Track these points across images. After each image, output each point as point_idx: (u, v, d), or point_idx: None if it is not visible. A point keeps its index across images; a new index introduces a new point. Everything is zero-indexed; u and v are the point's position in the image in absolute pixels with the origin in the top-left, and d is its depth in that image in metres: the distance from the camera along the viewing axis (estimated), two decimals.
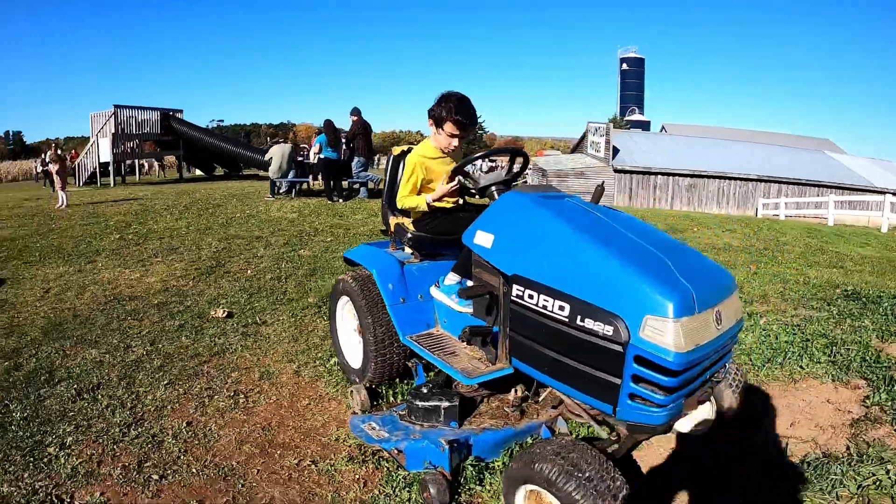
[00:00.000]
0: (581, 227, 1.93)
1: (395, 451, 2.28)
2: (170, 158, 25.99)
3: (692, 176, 24.79)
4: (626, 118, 77.31)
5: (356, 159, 10.93)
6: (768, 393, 3.02)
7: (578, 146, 29.77)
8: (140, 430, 2.71)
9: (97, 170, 18.65)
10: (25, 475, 2.37)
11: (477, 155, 2.52)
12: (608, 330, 1.68)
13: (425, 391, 2.42)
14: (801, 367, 3.21)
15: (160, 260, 6.15)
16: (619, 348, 1.67)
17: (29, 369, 3.37)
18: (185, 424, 2.76)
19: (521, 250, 2.01)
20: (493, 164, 14.03)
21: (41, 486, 2.30)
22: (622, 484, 1.65)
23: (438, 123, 2.64)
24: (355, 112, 10.81)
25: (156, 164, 30.68)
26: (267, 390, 3.13)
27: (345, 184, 11.30)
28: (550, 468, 1.66)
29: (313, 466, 2.40)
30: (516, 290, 1.96)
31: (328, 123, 10.98)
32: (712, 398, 2.10)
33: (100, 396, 3.05)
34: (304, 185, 11.96)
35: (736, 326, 1.87)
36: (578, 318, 1.75)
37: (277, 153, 11.40)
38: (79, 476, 2.36)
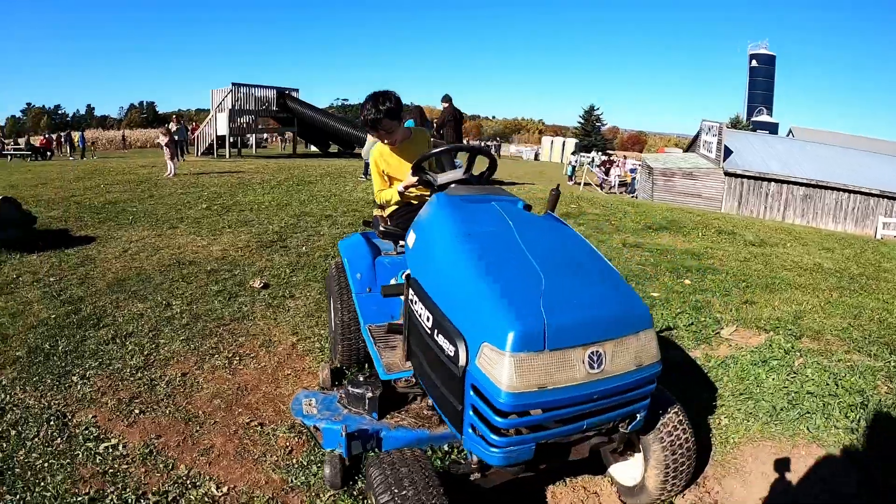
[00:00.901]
0: (473, 236, 1.93)
1: (314, 428, 2.59)
2: (290, 134, 28.46)
3: (808, 185, 22.55)
4: (753, 119, 69.96)
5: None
6: (746, 454, 2.72)
7: (692, 145, 28.39)
8: (144, 373, 3.36)
9: (214, 142, 21.08)
10: (48, 393, 3.10)
11: (434, 151, 2.67)
12: (451, 350, 1.69)
13: (361, 379, 2.65)
14: (809, 427, 2.83)
15: (231, 231, 7.05)
16: (458, 372, 1.67)
17: (84, 314, 4.21)
18: (179, 375, 3.36)
19: (422, 254, 2.14)
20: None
21: (55, 402, 3.02)
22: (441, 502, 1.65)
23: (373, 125, 2.89)
24: (446, 99, 11.24)
25: (277, 138, 33.78)
26: (261, 357, 3.66)
27: None
28: (376, 475, 1.74)
29: (259, 428, 2.86)
30: (411, 292, 2.09)
31: (417, 109, 11.53)
32: (642, 453, 2.15)
33: (128, 343, 3.76)
34: None
35: (638, 373, 1.73)
36: (436, 331, 1.79)
37: (371, 136, 12.20)
38: (84, 400, 3.04)
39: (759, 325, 4.00)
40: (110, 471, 2.51)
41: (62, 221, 7.35)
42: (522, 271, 1.77)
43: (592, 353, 1.64)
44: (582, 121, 64.87)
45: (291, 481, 2.46)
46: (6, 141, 30.51)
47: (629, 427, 1.88)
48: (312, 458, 2.60)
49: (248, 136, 24.92)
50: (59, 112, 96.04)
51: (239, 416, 2.96)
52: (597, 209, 8.84)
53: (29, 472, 2.49)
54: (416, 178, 2.77)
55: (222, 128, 20.47)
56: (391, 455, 1.83)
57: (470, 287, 1.74)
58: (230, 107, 20.27)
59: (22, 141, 29.21)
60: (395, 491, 1.65)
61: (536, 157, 49.72)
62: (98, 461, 2.57)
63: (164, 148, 13.50)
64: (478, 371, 1.61)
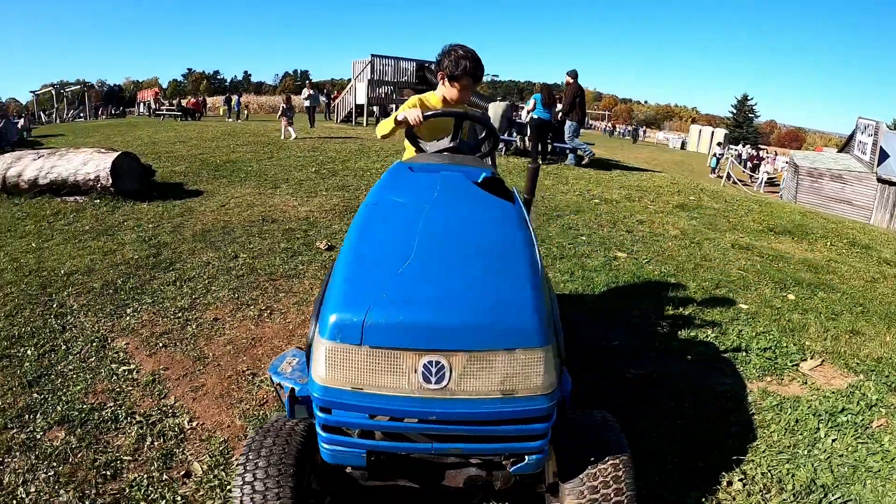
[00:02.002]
0: (378, 206, 1.92)
1: (279, 385, 2.81)
2: None
3: None
4: None
5: (568, 123, 11.16)
6: None
7: (846, 146, 24.67)
8: (184, 314, 3.88)
9: (353, 110, 22.58)
10: (103, 320, 3.75)
11: (430, 113, 2.60)
12: (312, 329, 1.61)
13: None
14: None
15: (325, 194, 7.65)
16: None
17: (161, 258, 4.92)
18: (212, 319, 3.83)
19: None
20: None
21: (104, 328, 3.66)
22: (286, 483, 1.64)
23: (453, 78, 2.77)
24: (572, 74, 11.01)
25: None
26: (290, 314, 4.01)
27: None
28: (248, 439, 1.80)
29: (250, 377, 3.20)
30: None
31: (545, 87, 11.54)
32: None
33: (184, 286, 4.34)
34: (517, 145, 12.69)
35: (508, 404, 1.45)
36: (316, 306, 1.71)
37: (492, 110, 12.38)
38: (126, 329, 3.62)
39: (852, 365, 3.48)
40: (116, 389, 3.01)
41: (182, 176, 8.52)
42: (396, 251, 1.65)
43: (429, 362, 1.41)
44: (734, 111, 62.58)
45: (247, 430, 2.74)
46: (164, 101, 35.06)
47: (513, 468, 1.60)
48: (281, 412, 2.86)
49: (387, 105, 26.24)
50: (218, 77, 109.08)
51: (240, 363, 3.32)
52: (718, 203, 8.16)
53: (59, 380, 3.09)
54: (415, 120, 2.62)
55: (361, 97, 21.93)
56: (275, 424, 1.85)
57: (339, 259, 1.71)
58: (369, 77, 21.55)
59: (176, 102, 33.43)
60: (251, 457, 1.70)
61: (683, 146, 47.32)
62: (112, 380, 3.09)
63: (281, 117, 14.98)
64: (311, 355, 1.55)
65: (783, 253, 5.78)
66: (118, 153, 6.94)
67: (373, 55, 21.67)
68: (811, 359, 3.51)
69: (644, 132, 49.93)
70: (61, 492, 2.31)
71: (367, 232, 1.80)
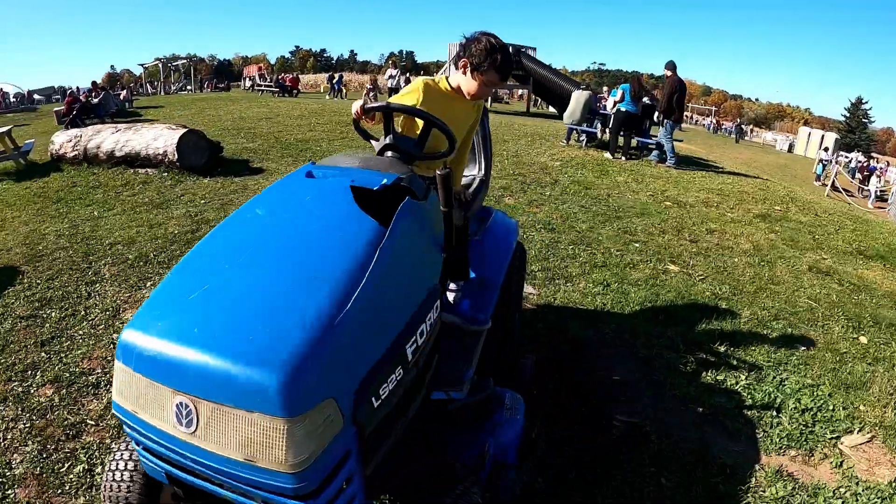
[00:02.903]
0: (240, 219, 1.75)
1: None
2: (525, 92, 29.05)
3: None
4: None
5: (665, 120, 10.51)
6: None
7: None
8: None
9: None
10: (123, 291, 3.96)
11: (399, 107, 2.23)
12: None
13: None
14: None
15: None
16: None
17: (199, 235, 5.10)
18: None
19: None
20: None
21: (122, 298, 3.84)
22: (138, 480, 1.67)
23: (477, 69, 2.38)
24: (671, 66, 10.31)
25: (517, 94, 34.72)
26: None
27: (634, 143, 11.12)
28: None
29: None
30: None
31: (634, 77, 10.94)
32: None
33: None
34: (600, 136, 12.16)
35: (254, 472, 1.24)
36: None
37: (574, 99, 11.91)
38: (139, 301, 3.74)
39: None
40: (108, 358, 3.15)
41: (251, 153, 8.81)
42: (203, 274, 1.51)
43: (180, 403, 1.27)
44: (847, 115, 57.33)
45: None
46: (266, 77, 36.49)
47: None
48: None
49: None
50: (325, 55, 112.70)
51: None
52: (806, 216, 7.26)
53: (67, 343, 3.32)
54: (364, 114, 2.32)
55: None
56: None
57: (181, 266, 1.62)
58: None
59: (274, 79, 34.52)
60: (121, 447, 1.77)
61: (790, 148, 43.29)
62: (109, 349, 3.24)
63: (366, 96, 15.04)
64: None
65: (868, 282, 5.05)
66: (185, 130, 7.28)
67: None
68: (859, 432, 2.86)
69: (751, 131, 46.22)
70: (29, 442, 2.56)
71: (201, 247, 1.65)
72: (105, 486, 1.71)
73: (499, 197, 7.17)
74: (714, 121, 52.18)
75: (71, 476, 2.39)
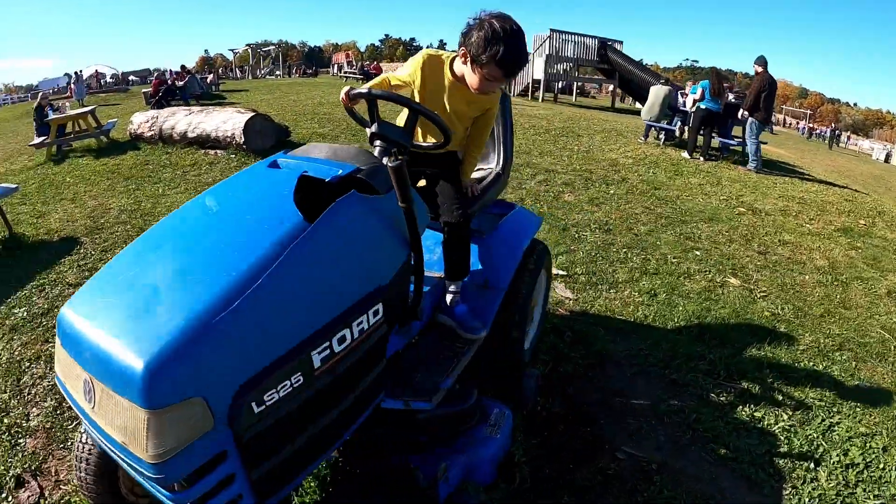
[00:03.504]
0: (189, 209, 1.68)
1: None
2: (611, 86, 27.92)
3: None
4: None
5: (750, 120, 9.67)
6: None
7: None
8: None
9: (531, 84, 21.98)
10: None
11: (388, 95, 1.97)
12: None
13: None
14: None
15: None
16: None
17: None
18: None
19: None
20: None
21: None
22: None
23: (476, 62, 2.04)
24: (761, 62, 9.43)
25: (604, 89, 33.43)
26: None
27: (715, 143, 10.28)
28: None
29: None
30: None
31: (714, 72, 10.10)
32: None
33: None
34: (678, 135, 11.38)
35: (123, 451, 1.24)
36: None
37: (652, 95, 11.21)
38: None
39: None
40: None
41: (321, 137, 8.84)
42: (133, 258, 1.53)
43: (85, 380, 1.29)
44: None
45: None
46: (353, 64, 36.93)
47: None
48: None
49: (567, 83, 25.30)
50: (414, 45, 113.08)
51: None
52: (894, 233, 6.32)
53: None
54: (348, 100, 2.11)
55: (538, 72, 21.25)
56: None
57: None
58: (547, 52, 20.76)
59: (358, 66, 34.78)
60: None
61: (887, 158, 38.69)
62: None
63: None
64: None
65: None
66: (252, 114, 7.37)
67: (552, 30, 20.73)
68: None
69: (847, 138, 41.95)
70: (48, 399, 2.79)
71: (149, 231, 1.64)
72: (74, 459, 1.78)
73: (558, 193, 6.79)
74: (808, 125, 48.21)
75: (76, 434, 2.49)
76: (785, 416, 2.70)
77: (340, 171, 1.70)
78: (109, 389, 1.21)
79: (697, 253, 5.02)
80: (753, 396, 2.86)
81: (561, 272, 4.41)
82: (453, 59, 2.18)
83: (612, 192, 7.02)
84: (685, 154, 9.79)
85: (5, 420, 2.65)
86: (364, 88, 2.01)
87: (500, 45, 1.95)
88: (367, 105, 2.00)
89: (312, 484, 2.18)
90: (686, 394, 2.86)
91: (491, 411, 2.23)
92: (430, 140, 2.36)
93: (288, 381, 1.32)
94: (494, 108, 2.36)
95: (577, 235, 5.33)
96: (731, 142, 10.05)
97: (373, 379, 1.68)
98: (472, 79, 2.10)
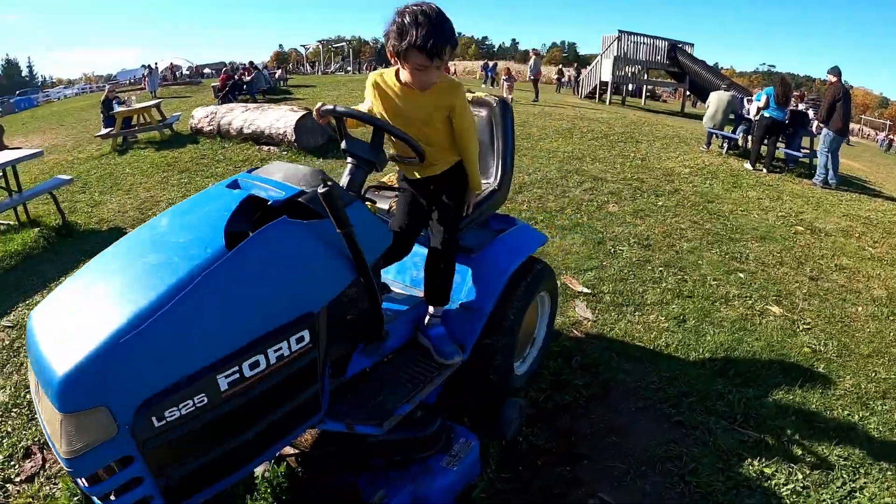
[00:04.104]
0: (149, 227, 1.72)
1: None
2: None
3: None
4: None
5: (824, 132, 8.91)
6: None
7: None
8: None
9: (598, 86, 21.31)
10: None
11: (349, 112, 1.97)
12: None
13: None
14: None
15: None
16: None
17: None
18: None
19: None
20: None
21: None
22: None
23: (399, 56, 1.93)
24: (834, 72, 8.69)
25: (675, 92, 32.01)
26: None
27: (780, 154, 9.55)
28: None
29: None
30: None
31: (780, 79, 9.35)
32: None
33: None
34: (741, 144, 10.68)
35: (54, 446, 1.36)
36: None
37: (714, 101, 10.54)
38: None
39: None
40: None
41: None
42: (96, 269, 1.62)
43: (37, 383, 1.41)
44: None
45: None
46: None
47: None
48: None
49: (637, 86, 24.38)
50: (486, 43, 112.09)
51: None
52: None
53: None
54: (322, 118, 2.10)
55: (606, 74, 20.58)
56: None
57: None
58: (615, 54, 20.04)
59: None
60: None
61: None
62: None
63: (505, 83, 15.40)
64: None
65: None
66: (304, 112, 7.43)
67: (620, 31, 19.98)
68: None
69: None
70: None
71: (115, 245, 1.70)
72: None
73: (602, 203, 6.46)
74: (888, 136, 44.30)
75: None
76: (800, 476, 2.34)
77: (284, 194, 1.65)
78: (42, 391, 1.36)
79: (741, 275, 4.61)
80: (769, 448, 2.51)
81: (585, 290, 4.15)
82: (397, 69, 2.06)
83: (660, 203, 6.61)
84: (747, 165, 9.14)
85: (27, 396, 2.77)
86: (331, 105, 2.00)
87: (412, 29, 1.85)
88: (336, 122, 2.01)
89: (267, 490, 2.11)
90: (690, 438, 2.55)
91: (456, 440, 2.09)
92: (410, 154, 2.22)
93: (191, 401, 1.35)
94: (458, 103, 2.12)
95: (612, 250, 5.02)
96: (797, 153, 9.30)
97: (301, 402, 1.62)
98: (407, 76, 1.99)
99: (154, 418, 1.30)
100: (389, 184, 2.61)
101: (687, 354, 3.33)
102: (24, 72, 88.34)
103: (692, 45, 21.34)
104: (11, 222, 5.24)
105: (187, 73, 36.97)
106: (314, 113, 2.04)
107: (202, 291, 1.39)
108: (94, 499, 1.40)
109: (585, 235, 5.35)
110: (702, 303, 4.04)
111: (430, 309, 2.27)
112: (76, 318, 1.41)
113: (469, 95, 2.64)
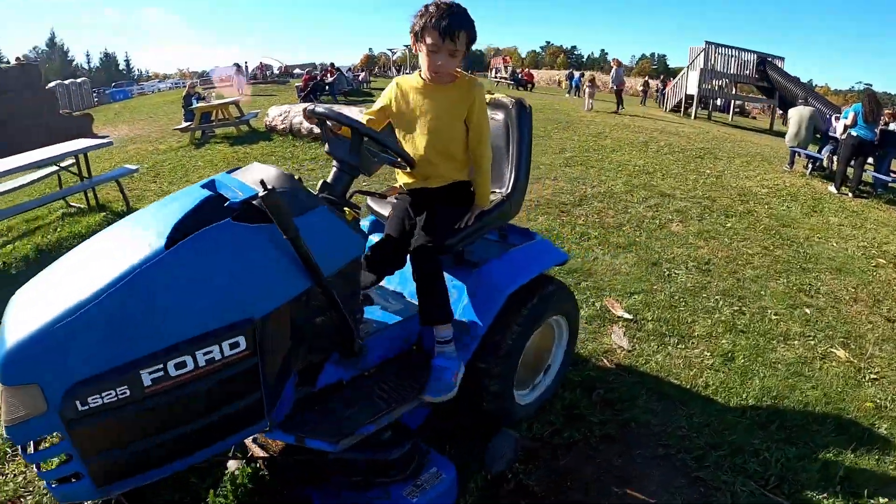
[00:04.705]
0: (125, 221, 1.78)
1: None
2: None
3: None
4: None
5: None
6: None
7: None
8: None
9: (683, 99, 20.27)
10: None
11: (334, 115, 1.90)
12: None
13: None
14: None
15: (549, 182, 7.07)
16: None
17: None
18: None
19: None
20: None
21: None
22: None
23: (418, 39, 1.99)
24: None
25: (764, 108, 30.01)
26: None
27: (868, 177, 8.64)
28: None
29: None
30: None
31: (868, 93, 8.45)
32: None
33: None
34: (826, 164, 9.76)
35: None
36: None
37: (794, 117, 9.71)
38: None
39: None
40: None
41: None
42: (71, 259, 1.66)
43: None
44: None
45: None
46: (510, 68, 36.41)
47: None
48: None
49: (724, 100, 23.00)
50: (575, 53, 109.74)
51: None
52: None
53: None
54: (312, 118, 2.04)
55: (692, 87, 19.54)
56: None
57: None
58: (701, 66, 18.93)
59: (510, 72, 34.27)
60: None
61: None
62: None
63: (586, 90, 15.94)
64: None
65: None
66: None
67: (707, 42, 18.85)
68: None
69: None
70: None
71: (97, 235, 1.75)
72: None
73: (665, 221, 6.04)
74: None
75: None
76: None
77: (241, 196, 1.61)
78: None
79: (807, 311, 4.11)
80: None
81: (626, 315, 3.81)
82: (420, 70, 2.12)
83: (728, 225, 6.09)
84: (832, 188, 8.31)
85: None
86: (312, 106, 1.98)
87: (431, 8, 1.92)
88: (320, 124, 1.97)
89: (229, 489, 2.04)
90: (708, 500, 2.21)
91: (427, 469, 1.92)
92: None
93: (113, 392, 1.37)
94: (478, 100, 2.08)
95: (666, 273, 4.63)
96: (886, 178, 8.33)
97: (240, 408, 1.58)
98: (424, 62, 2.01)
99: (78, 402, 1.34)
100: (392, 195, 2.45)
101: (727, 399, 2.95)
102: (122, 65, 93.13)
103: (782, 59, 19.82)
104: (82, 205, 5.56)
105: (277, 72, 38.50)
106: (303, 114, 2.00)
107: (133, 288, 1.40)
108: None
109: (640, 255, 4.98)
110: (756, 339, 3.61)
111: (435, 331, 2.08)
112: (37, 300, 1.48)
113: (486, 97, 2.49)
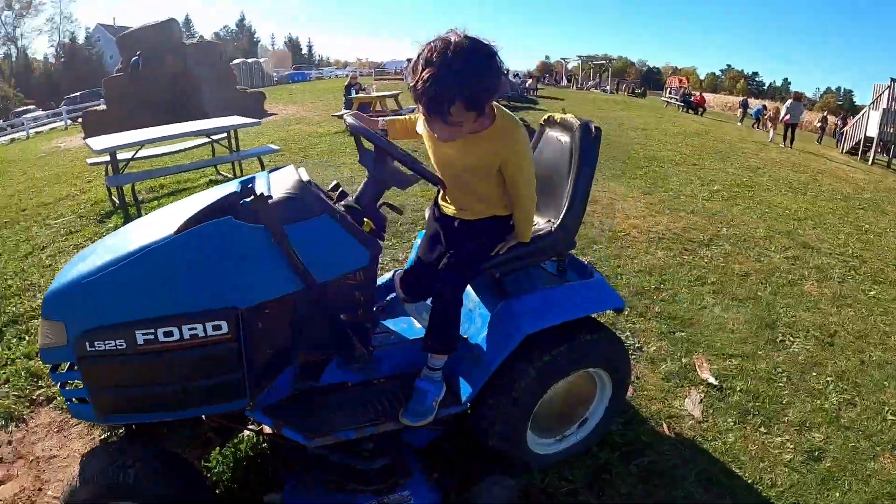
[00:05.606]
0: (171, 207, 1.99)
1: None
2: None
3: None
4: None
5: None
6: None
7: None
8: None
9: (862, 142, 17.58)
10: None
11: (364, 131, 1.82)
12: None
13: None
14: None
15: (682, 213, 6.64)
16: None
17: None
18: None
19: None
20: None
21: None
22: None
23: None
24: None
25: None
26: None
27: None
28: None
29: None
30: None
31: None
32: None
33: None
34: None
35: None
36: None
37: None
38: None
39: None
40: None
41: None
42: (123, 233, 1.90)
43: None
44: None
45: None
46: (688, 91, 33.67)
47: None
48: None
49: None
50: (756, 79, 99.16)
51: None
52: None
53: None
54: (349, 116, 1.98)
55: (872, 128, 16.81)
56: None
57: None
58: (884, 105, 16.12)
59: (682, 95, 31.63)
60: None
61: None
62: None
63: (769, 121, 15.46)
64: None
65: None
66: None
67: (893, 79, 15.89)
68: None
69: None
70: None
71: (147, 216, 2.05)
72: None
73: (799, 277, 5.27)
74: None
75: None
76: None
77: (234, 192, 1.79)
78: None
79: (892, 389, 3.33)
80: None
81: (712, 379, 3.35)
82: None
83: (872, 293, 5.13)
84: None
85: None
86: (346, 116, 1.96)
87: (417, 71, 1.53)
88: (354, 137, 1.92)
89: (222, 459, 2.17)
90: None
91: (399, 491, 1.90)
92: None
93: (112, 342, 1.60)
94: (515, 154, 1.79)
95: (779, 339, 4.01)
96: None
97: (220, 383, 1.72)
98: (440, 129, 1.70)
99: (87, 343, 1.60)
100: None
101: (796, 498, 2.47)
102: (304, 50, 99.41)
103: None
104: (229, 175, 6.13)
105: None
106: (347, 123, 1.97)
107: (140, 264, 1.63)
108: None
109: (756, 313, 4.36)
110: (858, 441, 2.98)
111: (428, 356, 1.98)
112: (85, 257, 1.77)
113: (557, 116, 2.33)
